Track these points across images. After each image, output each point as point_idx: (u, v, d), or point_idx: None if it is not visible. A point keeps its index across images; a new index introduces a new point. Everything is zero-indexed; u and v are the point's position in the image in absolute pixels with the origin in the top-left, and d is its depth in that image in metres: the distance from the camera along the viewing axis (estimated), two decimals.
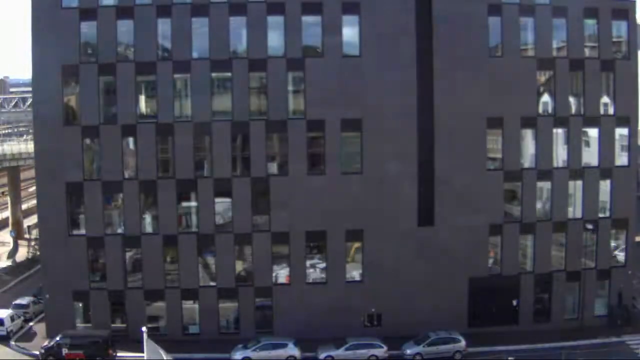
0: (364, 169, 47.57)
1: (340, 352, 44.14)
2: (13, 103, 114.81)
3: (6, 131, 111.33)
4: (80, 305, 47.76)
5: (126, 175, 47.11)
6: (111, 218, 47.94)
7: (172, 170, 47.32)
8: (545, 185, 49.04)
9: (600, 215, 49.74)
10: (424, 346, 44.78)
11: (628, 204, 50.28)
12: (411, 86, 47.36)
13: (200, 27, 46.62)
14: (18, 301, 53.26)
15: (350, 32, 47.10)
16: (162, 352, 37.03)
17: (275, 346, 44.56)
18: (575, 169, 49.10)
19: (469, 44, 47.33)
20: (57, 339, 44.19)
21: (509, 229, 48.72)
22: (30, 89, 51.78)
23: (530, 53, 48.33)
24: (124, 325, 47.54)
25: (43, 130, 47.15)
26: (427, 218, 48.04)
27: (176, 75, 46.94)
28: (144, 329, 35.95)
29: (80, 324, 47.86)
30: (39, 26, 46.06)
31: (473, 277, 48.38)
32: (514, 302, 48.98)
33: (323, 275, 48.10)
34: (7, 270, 64.52)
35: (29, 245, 70.89)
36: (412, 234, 47.87)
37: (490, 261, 49.14)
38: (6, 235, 77.04)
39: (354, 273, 48.35)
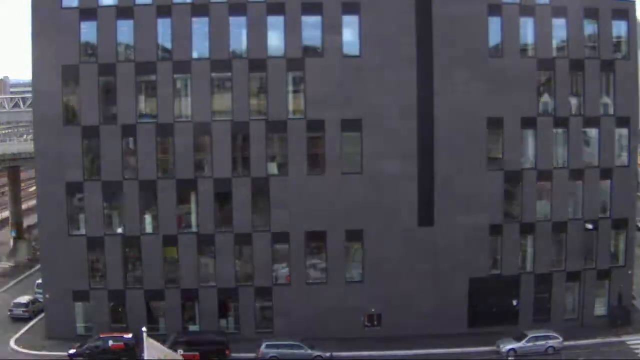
0: (364, 169, 47.56)
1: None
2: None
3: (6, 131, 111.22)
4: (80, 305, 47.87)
5: (126, 176, 47.12)
6: (111, 218, 47.94)
7: (172, 170, 47.34)
8: (545, 185, 49.03)
9: (600, 215, 49.73)
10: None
11: (628, 204, 50.28)
12: (411, 86, 47.35)
13: (200, 27, 46.66)
14: (17, 300, 53.28)
15: (350, 32, 47.11)
16: (167, 351, 36.98)
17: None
18: (575, 169, 49.09)
19: (469, 44, 47.30)
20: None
21: (508, 229, 48.72)
22: (30, 88, 51.80)
23: (530, 53, 48.32)
24: (124, 324, 47.56)
25: (43, 130, 47.17)
26: (427, 218, 48.03)
27: (176, 75, 46.97)
28: (143, 329, 35.89)
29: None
30: (39, 26, 46.06)
31: (473, 277, 48.37)
32: (514, 302, 48.93)
33: (323, 275, 48.13)
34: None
35: (29, 246, 70.81)
36: (412, 234, 47.86)
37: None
38: (6, 235, 77.05)
39: (354, 273, 48.43)
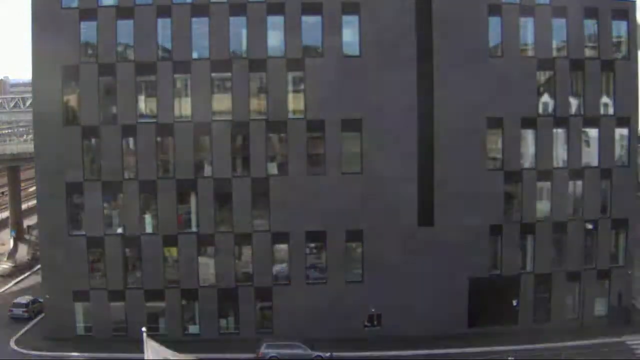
0: (364, 169, 47.55)
1: None
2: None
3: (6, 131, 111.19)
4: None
5: (126, 176, 47.12)
6: (111, 218, 47.95)
7: (172, 170, 47.35)
8: (545, 185, 49.03)
9: (600, 215, 49.72)
10: None
11: (628, 204, 50.27)
12: (411, 86, 47.34)
13: (200, 27, 46.66)
14: (17, 300, 53.28)
15: (350, 32, 47.11)
16: (168, 352, 36.88)
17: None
18: (575, 169, 49.08)
19: (469, 44, 47.29)
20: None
21: (508, 229, 48.71)
22: (30, 89, 51.83)
23: (530, 53, 48.31)
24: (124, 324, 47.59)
25: (43, 130, 47.17)
26: (427, 218, 48.00)
27: (176, 75, 46.97)
28: (143, 329, 35.84)
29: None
30: (39, 26, 46.06)
31: (473, 277, 48.33)
32: (514, 302, 48.88)
33: (323, 276, 48.13)
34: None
35: (29, 246, 70.83)
36: (413, 234, 47.82)
37: None
38: (6, 236, 77.10)
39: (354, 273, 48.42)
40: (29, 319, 51.43)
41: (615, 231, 50.27)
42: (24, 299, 53.37)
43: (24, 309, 51.91)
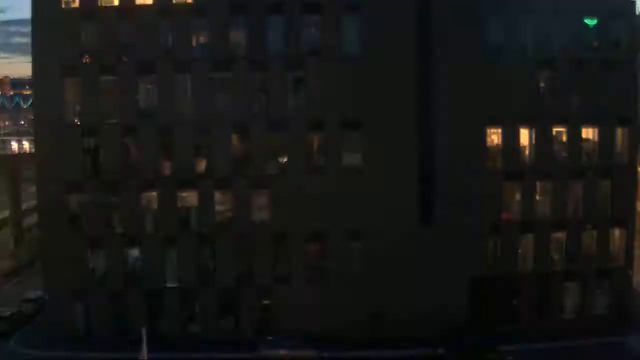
0: (363, 169, 47.53)
1: None
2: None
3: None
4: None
5: (126, 176, 47.12)
6: (111, 218, 47.92)
7: (172, 170, 47.34)
8: (545, 185, 49.03)
9: (600, 215, 49.68)
10: None
11: (628, 204, 50.24)
12: (411, 86, 47.34)
13: (201, 27, 46.64)
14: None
15: (350, 32, 47.09)
16: None
17: None
18: (575, 169, 49.08)
19: (469, 44, 47.28)
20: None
21: (508, 228, 48.70)
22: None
23: (530, 53, 48.31)
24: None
25: (43, 130, 47.18)
26: (427, 218, 47.98)
27: (176, 75, 46.96)
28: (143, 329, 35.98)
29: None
30: (39, 26, 46.09)
31: (473, 277, 48.28)
32: (514, 302, 48.81)
33: (323, 275, 48.14)
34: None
35: (29, 245, 70.67)
36: (412, 234, 47.79)
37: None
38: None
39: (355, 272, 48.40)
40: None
41: (615, 231, 50.21)
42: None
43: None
